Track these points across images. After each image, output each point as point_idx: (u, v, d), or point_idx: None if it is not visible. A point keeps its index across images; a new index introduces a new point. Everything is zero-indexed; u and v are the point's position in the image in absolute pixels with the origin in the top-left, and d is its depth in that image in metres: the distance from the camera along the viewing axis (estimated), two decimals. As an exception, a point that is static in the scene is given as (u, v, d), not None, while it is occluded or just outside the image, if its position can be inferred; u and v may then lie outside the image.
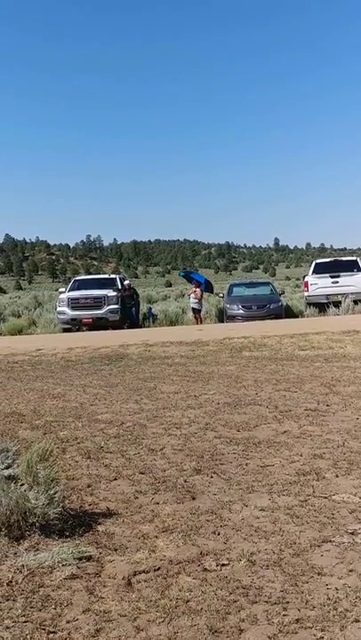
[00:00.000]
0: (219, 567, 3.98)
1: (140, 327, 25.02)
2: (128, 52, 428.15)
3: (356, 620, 3.31)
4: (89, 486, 5.58)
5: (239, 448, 6.56)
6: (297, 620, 3.34)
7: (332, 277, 24.96)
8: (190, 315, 26.05)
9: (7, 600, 3.63)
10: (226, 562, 4.05)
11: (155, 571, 3.97)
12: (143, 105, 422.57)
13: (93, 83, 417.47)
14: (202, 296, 26.16)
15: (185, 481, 5.64)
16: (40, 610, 3.53)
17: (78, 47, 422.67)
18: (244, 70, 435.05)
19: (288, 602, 3.54)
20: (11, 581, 3.84)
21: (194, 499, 5.21)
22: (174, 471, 5.92)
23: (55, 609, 3.54)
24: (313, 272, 25.94)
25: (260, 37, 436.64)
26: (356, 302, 24.25)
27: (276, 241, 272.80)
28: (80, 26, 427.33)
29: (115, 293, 24.31)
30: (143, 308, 28.54)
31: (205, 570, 3.96)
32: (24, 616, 3.46)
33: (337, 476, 5.57)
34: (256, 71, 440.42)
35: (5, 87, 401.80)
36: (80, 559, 4.11)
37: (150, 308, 28.11)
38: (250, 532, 4.51)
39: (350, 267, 25.57)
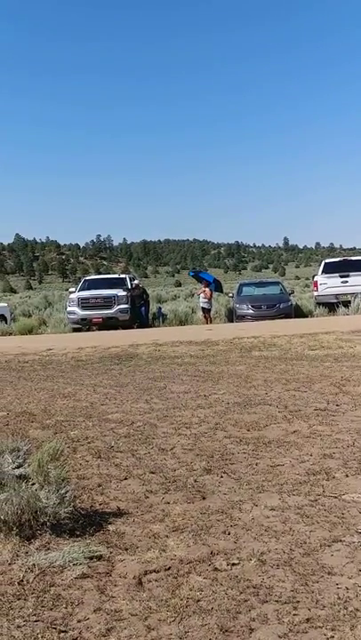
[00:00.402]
0: (229, 567, 3.99)
1: (150, 327, 25.03)
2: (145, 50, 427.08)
3: (367, 620, 3.31)
4: (99, 486, 5.59)
5: (249, 448, 6.57)
6: (307, 620, 3.35)
7: (341, 277, 24.90)
8: (200, 314, 26.05)
9: (18, 599, 3.65)
10: (236, 561, 4.05)
11: (165, 570, 3.98)
12: (158, 102, 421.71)
13: (97, 81, 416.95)
14: (211, 296, 26.16)
15: (195, 480, 5.64)
16: (51, 609, 3.55)
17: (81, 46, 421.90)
18: (246, 68, 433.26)
19: (298, 601, 3.54)
20: (22, 580, 3.86)
21: (204, 498, 5.22)
22: (184, 471, 5.93)
23: (66, 608, 3.55)
24: (322, 272, 25.88)
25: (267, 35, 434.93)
26: (365, 302, 24.17)
27: (286, 240, 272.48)
28: (80, 25, 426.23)
29: (125, 293, 24.33)
30: (153, 307, 28.56)
31: (216, 569, 3.96)
32: (35, 615, 3.48)
33: (347, 476, 5.57)
34: (257, 70, 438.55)
35: (16, 89, 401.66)
36: (91, 558, 4.13)
37: (160, 308, 28.12)
38: (260, 531, 4.51)
39: (360, 266, 25.50)
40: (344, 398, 8.63)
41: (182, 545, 4.33)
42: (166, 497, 5.29)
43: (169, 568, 4.00)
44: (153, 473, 5.90)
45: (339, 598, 3.55)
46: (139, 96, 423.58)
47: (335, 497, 5.10)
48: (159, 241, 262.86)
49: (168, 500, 5.20)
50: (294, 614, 3.41)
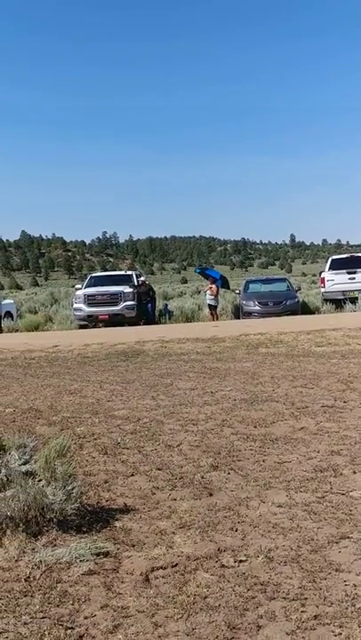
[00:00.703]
0: (236, 563, 3.98)
1: (156, 324, 25.03)
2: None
3: (375, 617, 3.30)
4: (106, 482, 5.59)
5: (256, 444, 6.55)
6: (315, 617, 3.33)
7: (348, 273, 24.87)
8: (207, 311, 26.05)
9: (25, 596, 3.65)
10: (243, 558, 4.04)
11: (172, 567, 3.97)
12: (162, 94, 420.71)
13: (102, 73, 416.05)
14: (218, 292, 26.15)
15: (202, 477, 5.63)
16: (58, 605, 3.54)
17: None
18: (248, 59, 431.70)
19: (306, 598, 3.52)
20: (28, 577, 3.86)
21: (211, 495, 5.21)
22: (191, 467, 5.92)
23: (73, 605, 3.54)
24: (329, 268, 25.84)
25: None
26: (373, 298, 24.12)
27: (292, 237, 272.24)
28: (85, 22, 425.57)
29: (131, 290, 24.33)
30: (159, 304, 28.56)
31: (223, 566, 3.95)
32: (42, 612, 3.47)
33: (354, 473, 5.55)
34: (254, 63, 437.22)
35: (17, 80, 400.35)
36: (98, 555, 4.12)
37: (166, 305, 28.13)
38: (267, 528, 4.50)
39: None
40: (351, 395, 8.60)
41: (189, 541, 4.32)
42: (173, 493, 5.28)
43: (176, 565, 3.99)
44: (160, 469, 5.89)
45: (346, 595, 3.53)
46: (140, 86, 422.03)
47: (343, 494, 5.08)
48: (165, 238, 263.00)
49: (175, 497, 5.19)
50: (302, 611, 3.39)
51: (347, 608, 3.40)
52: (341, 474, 5.54)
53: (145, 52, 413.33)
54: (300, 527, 4.48)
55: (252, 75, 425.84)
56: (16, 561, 4.07)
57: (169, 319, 26.03)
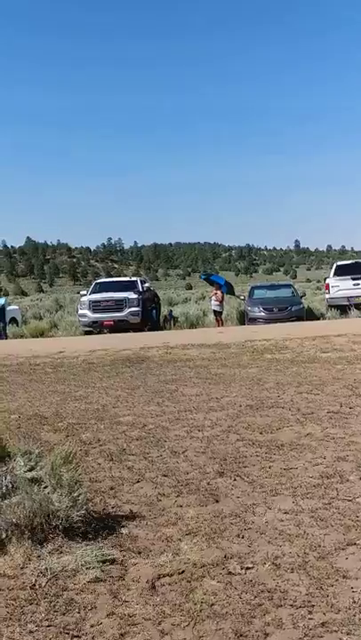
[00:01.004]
0: (243, 570, 3.96)
1: (161, 330, 25.03)
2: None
3: (383, 625, 3.28)
4: (112, 489, 5.58)
5: (262, 451, 6.54)
6: (322, 624, 3.32)
7: (353, 279, 24.84)
8: (212, 317, 26.04)
9: (30, 604, 3.64)
10: (250, 565, 4.03)
11: (179, 574, 3.96)
12: (168, 94, 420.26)
13: (109, 75, 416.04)
14: (223, 298, 26.14)
15: (208, 484, 5.62)
16: (64, 614, 3.53)
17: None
18: (244, 60, 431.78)
19: (313, 605, 3.51)
20: (34, 585, 3.85)
21: (217, 501, 5.19)
22: (197, 474, 5.91)
23: (79, 613, 3.53)
24: (334, 274, 25.82)
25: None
26: (377, 304, 24.11)
27: (297, 243, 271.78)
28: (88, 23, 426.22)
29: (136, 296, 24.32)
30: (164, 310, 28.55)
31: (230, 573, 3.94)
32: (47, 620, 3.46)
33: (361, 479, 5.54)
34: (253, 65, 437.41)
35: (17, 79, 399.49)
36: (104, 562, 4.11)
37: (171, 311, 28.11)
38: (274, 535, 4.48)
39: None
40: (357, 401, 8.58)
41: (196, 548, 4.31)
42: (179, 500, 5.27)
43: (182, 572, 3.98)
44: (165, 476, 5.88)
45: (354, 602, 3.52)
46: (143, 85, 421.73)
47: (349, 500, 5.07)
48: (170, 244, 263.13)
49: (181, 504, 5.18)
50: (309, 618, 3.38)
51: (354, 615, 3.38)
52: (348, 480, 5.53)
53: (147, 51, 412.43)
54: (306, 534, 4.47)
55: (252, 75, 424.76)
56: (22, 568, 4.06)
57: (173, 325, 26.02)
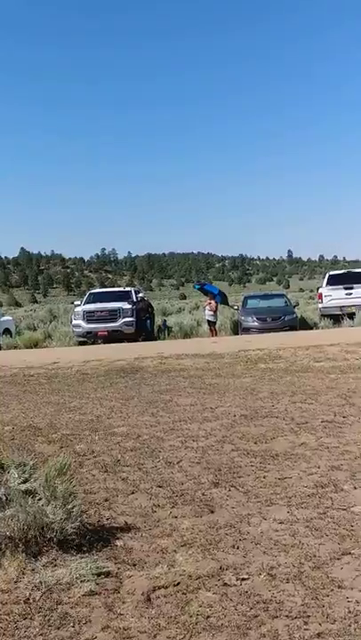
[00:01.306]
0: (239, 582, 3.95)
1: (155, 340, 25.03)
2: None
3: (379, 635, 3.27)
4: (106, 500, 5.56)
5: (257, 460, 6.53)
6: (318, 635, 3.31)
7: (345, 289, 24.94)
8: (206, 327, 26.07)
9: (24, 618, 3.61)
10: (246, 576, 4.02)
11: (174, 586, 3.94)
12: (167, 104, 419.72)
13: (105, 87, 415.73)
14: (217, 308, 26.18)
15: (203, 494, 5.61)
16: (58, 628, 3.51)
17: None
18: (243, 72, 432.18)
19: (309, 616, 3.50)
20: (28, 599, 3.82)
21: (212, 512, 5.18)
22: (192, 484, 5.90)
23: (74, 627, 3.51)
24: (327, 284, 25.92)
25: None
26: (369, 313, 24.19)
27: (290, 253, 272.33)
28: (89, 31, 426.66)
29: (130, 306, 24.35)
30: (158, 320, 28.55)
31: (225, 584, 3.93)
32: (42, 635, 3.44)
33: (355, 488, 5.53)
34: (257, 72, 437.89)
35: (16, 95, 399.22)
36: (98, 575, 4.09)
37: (165, 321, 28.11)
38: (269, 545, 4.47)
39: None
40: (351, 410, 8.58)
41: (191, 560, 4.30)
42: (174, 511, 5.25)
43: (178, 584, 3.96)
44: (160, 487, 5.87)
45: (349, 612, 3.51)
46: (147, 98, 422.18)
47: (344, 509, 5.06)
48: (164, 254, 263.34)
49: (176, 515, 5.17)
50: (305, 629, 3.37)
51: (350, 625, 3.38)
52: (342, 489, 5.52)
53: (133, 63, 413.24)
54: (301, 544, 4.46)
55: (252, 84, 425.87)
56: (15, 582, 4.03)
57: (168, 335, 26.01)
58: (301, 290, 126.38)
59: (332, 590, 3.78)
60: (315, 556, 4.26)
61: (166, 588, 3.92)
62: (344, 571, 4.02)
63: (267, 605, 3.63)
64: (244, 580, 3.97)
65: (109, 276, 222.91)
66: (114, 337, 23.55)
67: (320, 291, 26.12)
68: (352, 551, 4.30)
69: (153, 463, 6.64)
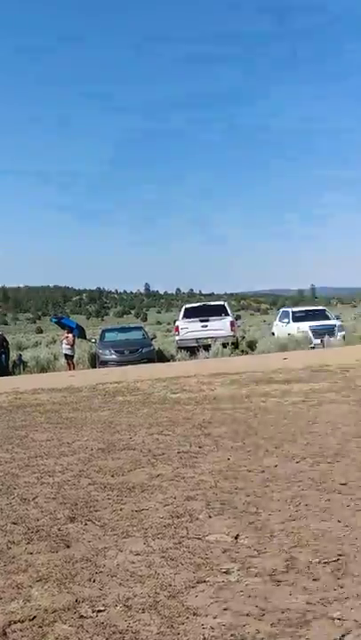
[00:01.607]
0: (95, 613, 3.95)
1: (10, 375, 24.59)
2: None
3: (231, 658, 3.37)
4: None
5: (114, 493, 6.55)
6: (173, 662, 3.36)
7: (201, 321, 25.57)
8: (63, 361, 25.91)
9: None
10: (102, 608, 4.02)
11: (30, 620, 3.90)
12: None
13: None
14: (74, 342, 26.10)
15: (59, 529, 5.57)
16: None
17: None
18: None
19: (164, 644, 3.55)
20: None
21: (68, 547, 5.16)
22: (48, 520, 5.85)
23: None
24: (183, 316, 26.46)
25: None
26: (224, 345, 24.88)
27: (147, 286, 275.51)
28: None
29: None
30: (13, 355, 28.06)
31: (82, 617, 3.92)
32: None
33: (210, 517, 5.65)
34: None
35: None
36: None
37: (20, 355, 27.69)
38: (125, 576, 4.50)
39: (218, 311, 26.41)
40: (206, 440, 8.77)
41: (47, 594, 4.26)
42: (29, 547, 5.19)
43: (34, 617, 3.92)
44: (15, 524, 5.78)
45: (204, 638, 3.58)
46: None
47: (199, 538, 5.16)
48: (19, 287, 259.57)
49: (31, 551, 5.11)
50: (161, 657, 3.42)
51: (204, 651, 3.45)
52: (197, 518, 5.63)
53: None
54: (157, 574, 4.51)
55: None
56: None
57: (23, 370, 25.64)
58: (159, 322, 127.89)
59: (188, 618, 3.84)
60: (170, 585, 4.32)
61: (22, 622, 3.88)
62: (199, 598, 4.10)
63: (123, 635, 3.65)
64: (100, 611, 3.98)
65: None
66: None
67: (177, 323, 26.65)
68: (207, 579, 4.38)
69: (7, 500, 6.53)
